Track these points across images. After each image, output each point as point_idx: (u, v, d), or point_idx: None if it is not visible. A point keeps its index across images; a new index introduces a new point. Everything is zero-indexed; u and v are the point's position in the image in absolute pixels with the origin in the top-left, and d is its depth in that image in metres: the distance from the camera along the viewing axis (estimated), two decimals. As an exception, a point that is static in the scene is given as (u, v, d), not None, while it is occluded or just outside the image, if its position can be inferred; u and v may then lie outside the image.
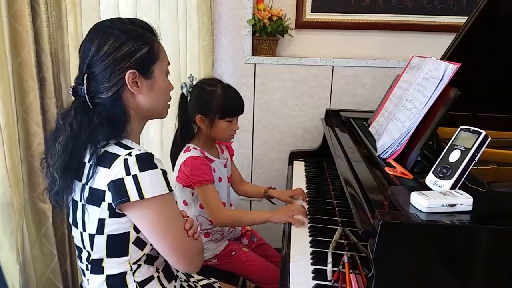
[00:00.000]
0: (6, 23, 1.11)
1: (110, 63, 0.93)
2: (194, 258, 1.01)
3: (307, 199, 1.58)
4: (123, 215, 0.93)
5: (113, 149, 0.93)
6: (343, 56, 2.24)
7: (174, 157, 1.53)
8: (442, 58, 1.42)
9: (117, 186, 0.89)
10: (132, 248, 0.97)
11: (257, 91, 2.30)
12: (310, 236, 1.29)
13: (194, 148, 1.47)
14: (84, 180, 0.94)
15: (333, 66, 2.23)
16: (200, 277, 1.30)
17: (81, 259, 1.03)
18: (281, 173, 2.35)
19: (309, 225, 1.36)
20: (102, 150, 0.93)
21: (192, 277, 1.28)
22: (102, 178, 0.91)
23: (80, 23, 1.42)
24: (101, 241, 0.96)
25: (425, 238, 0.79)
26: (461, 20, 1.40)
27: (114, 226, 0.94)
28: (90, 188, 0.93)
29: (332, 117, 1.99)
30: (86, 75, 0.94)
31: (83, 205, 0.96)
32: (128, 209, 0.92)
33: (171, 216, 0.95)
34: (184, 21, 2.05)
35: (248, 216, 1.53)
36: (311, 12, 2.22)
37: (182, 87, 1.48)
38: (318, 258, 1.16)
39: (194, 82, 1.48)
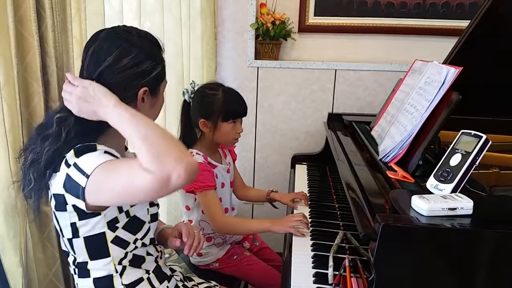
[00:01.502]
0: (12, 28, 1.13)
1: (126, 78, 0.93)
2: (162, 157, 0.80)
3: (309, 202, 1.58)
4: (92, 215, 0.92)
5: (69, 154, 0.91)
6: (345, 60, 2.25)
7: None
8: (445, 62, 1.42)
9: (69, 183, 0.88)
10: (112, 247, 0.97)
11: (260, 94, 2.30)
12: (311, 239, 1.29)
13: (197, 153, 1.48)
14: (51, 188, 0.95)
15: (335, 70, 2.23)
16: (201, 280, 1.31)
17: (69, 263, 1.04)
18: (283, 176, 2.35)
19: (310, 228, 1.36)
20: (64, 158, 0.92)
21: (192, 280, 1.28)
22: (57, 182, 0.91)
23: (85, 27, 1.43)
24: (79, 244, 0.96)
25: (426, 242, 0.79)
26: (463, 24, 1.40)
27: (87, 228, 0.94)
28: (53, 194, 0.94)
29: (335, 120, 1.99)
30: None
31: (54, 212, 0.97)
32: (90, 198, 0.87)
33: (116, 164, 0.88)
34: (187, 25, 2.07)
35: (248, 225, 1.50)
36: (314, 16, 2.23)
37: (184, 94, 1.48)
38: (319, 261, 1.16)
39: (196, 88, 1.49)
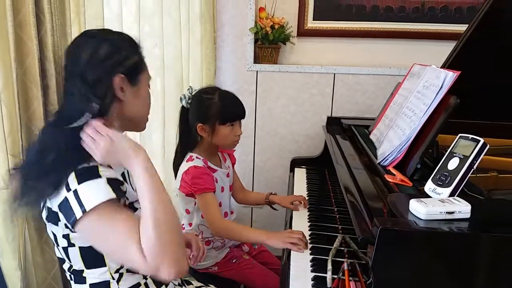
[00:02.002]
0: (12, 32, 1.13)
1: (104, 70, 0.93)
2: (161, 257, 0.83)
3: (308, 206, 1.58)
4: None
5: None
6: (344, 64, 2.25)
7: (176, 167, 1.54)
8: (443, 66, 1.43)
9: (64, 207, 0.87)
10: (108, 258, 0.97)
11: (259, 98, 2.31)
12: (310, 243, 1.29)
13: (197, 157, 1.48)
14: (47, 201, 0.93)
15: (334, 74, 2.24)
16: (199, 284, 1.30)
17: (64, 270, 1.02)
18: (283, 180, 2.35)
19: (309, 232, 1.36)
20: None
21: (191, 283, 1.28)
22: (55, 200, 0.89)
23: (84, 31, 1.44)
24: (75, 253, 0.95)
25: (423, 245, 0.79)
26: (462, 28, 1.40)
27: (80, 240, 0.93)
28: (48, 207, 0.92)
29: (334, 124, 2.00)
30: (73, 81, 0.92)
31: (46, 223, 0.96)
32: (78, 227, 0.87)
33: (117, 220, 0.86)
34: (187, 29, 2.07)
35: (245, 233, 1.45)
36: (313, 20, 2.24)
37: (181, 99, 1.49)
38: (318, 265, 1.16)
39: (193, 93, 1.49)
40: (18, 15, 1.14)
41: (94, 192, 0.86)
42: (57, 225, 0.92)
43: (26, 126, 1.27)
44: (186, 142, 1.52)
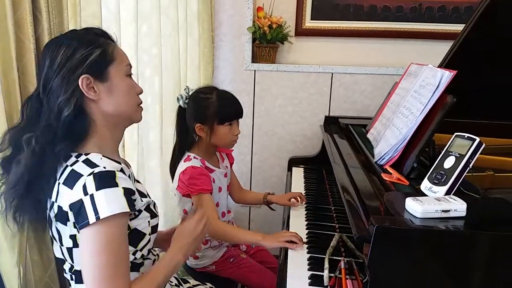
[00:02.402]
0: (13, 32, 1.12)
1: (65, 74, 0.90)
2: None
3: (306, 205, 1.58)
4: None
5: (79, 167, 0.90)
6: (342, 63, 2.26)
7: (173, 168, 1.54)
8: (440, 65, 1.43)
9: (78, 208, 0.87)
10: None
11: (257, 97, 2.31)
12: (307, 242, 1.29)
13: (194, 157, 1.48)
14: (53, 197, 0.93)
15: (332, 73, 2.24)
16: (196, 282, 1.31)
17: (64, 270, 1.02)
18: (280, 179, 2.35)
19: (306, 231, 1.36)
20: (70, 168, 0.91)
21: (188, 282, 1.28)
22: (66, 199, 0.89)
23: (82, 30, 1.44)
24: (80, 253, 0.94)
25: (419, 243, 0.80)
26: (459, 27, 1.41)
27: None
28: (58, 206, 0.92)
29: (331, 123, 2.00)
30: (45, 95, 0.91)
31: (54, 221, 0.95)
32: (85, 231, 0.87)
33: (117, 249, 0.89)
34: (184, 29, 2.07)
35: (240, 235, 1.47)
36: (311, 19, 2.24)
37: (178, 100, 1.49)
38: (315, 264, 1.16)
39: (190, 93, 1.49)
40: (15, 14, 1.14)
41: (110, 201, 0.86)
42: (65, 224, 0.91)
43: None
44: (184, 142, 1.52)
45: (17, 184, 0.92)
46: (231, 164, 1.68)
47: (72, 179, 0.89)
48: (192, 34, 2.11)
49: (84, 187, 0.87)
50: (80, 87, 0.91)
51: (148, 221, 1.01)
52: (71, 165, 0.91)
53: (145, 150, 2.03)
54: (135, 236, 0.98)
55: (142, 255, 1.02)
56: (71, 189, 0.88)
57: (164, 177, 2.07)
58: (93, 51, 0.92)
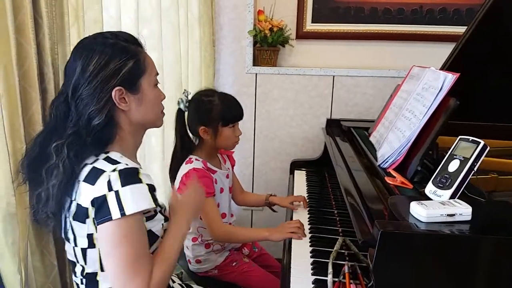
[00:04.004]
0: (13, 38, 1.12)
1: (98, 84, 0.90)
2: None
3: (308, 208, 1.58)
4: None
5: (101, 164, 0.91)
6: (343, 66, 2.26)
7: (174, 171, 1.53)
8: (442, 68, 1.43)
9: (100, 204, 0.87)
10: None
11: (258, 100, 2.31)
12: (310, 246, 1.29)
13: (196, 159, 1.48)
14: (73, 196, 0.93)
15: (333, 76, 2.24)
16: (199, 287, 1.30)
17: (75, 273, 1.02)
18: (282, 182, 2.34)
19: (310, 235, 1.36)
20: (90, 166, 0.91)
21: (191, 287, 1.28)
22: (87, 195, 0.89)
23: (83, 35, 1.43)
24: (94, 255, 0.94)
25: (424, 248, 0.79)
26: (461, 29, 1.41)
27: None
28: (77, 204, 0.91)
29: (333, 126, 1.99)
30: (74, 100, 0.91)
31: (70, 221, 0.94)
32: (106, 226, 0.88)
33: (141, 242, 0.91)
34: (185, 32, 2.07)
35: (246, 234, 1.51)
36: (312, 22, 2.24)
37: (179, 103, 1.49)
38: (318, 268, 1.15)
39: (190, 97, 1.49)
40: (16, 19, 1.14)
41: (136, 198, 0.88)
42: (84, 222, 0.91)
43: (25, 129, 1.27)
44: (185, 146, 1.52)
45: (50, 199, 0.92)
46: (233, 166, 1.68)
47: (94, 176, 0.90)
48: (193, 37, 2.11)
49: (109, 183, 0.87)
50: (113, 98, 0.92)
51: (162, 224, 1.02)
52: (91, 163, 0.92)
53: (147, 154, 2.03)
54: (149, 238, 0.98)
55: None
56: (93, 185, 0.89)
57: (166, 181, 2.06)
58: (127, 62, 0.93)
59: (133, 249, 0.88)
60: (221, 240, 1.51)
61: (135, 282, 0.88)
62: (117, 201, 0.87)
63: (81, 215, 0.91)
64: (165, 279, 0.95)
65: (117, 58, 0.92)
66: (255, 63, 2.28)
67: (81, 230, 0.92)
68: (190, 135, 1.53)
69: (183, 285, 1.25)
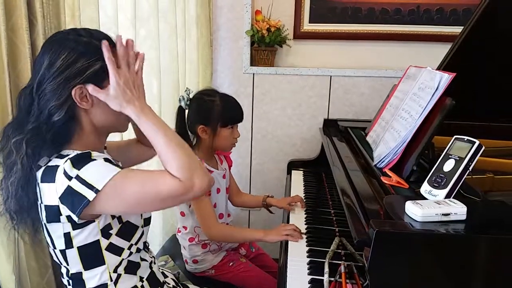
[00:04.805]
0: (5, 37, 1.12)
1: (62, 81, 0.88)
2: (188, 171, 0.87)
3: (305, 208, 1.58)
4: (86, 224, 0.91)
5: (53, 162, 0.90)
6: (341, 66, 2.26)
7: None
8: (439, 68, 1.43)
9: (69, 195, 0.85)
10: (107, 255, 0.96)
11: (255, 101, 2.31)
12: (307, 246, 1.29)
13: (192, 158, 1.48)
14: (39, 200, 0.92)
15: (331, 76, 2.24)
16: (195, 287, 1.30)
17: (62, 274, 1.01)
18: (280, 182, 2.35)
19: (306, 235, 1.36)
20: (44, 167, 0.90)
21: (187, 286, 1.28)
22: (51, 193, 0.88)
23: (79, 34, 1.43)
24: (73, 255, 0.94)
25: (419, 247, 0.79)
26: (458, 30, 1.41)
27: (81, 237, 0.92)
28: (45, 206, 0.90)
29: (330, 126, 2.00)
30: (37, 94, 0.90)
31: (45, 224, 0.94)
32: (94, 208, 0.86)
33: (136, 181, 0.88)
34: (183, 32, 2.07)
35: (242, 234, 1.52)
36: (309, 22, 2.24)
37: (180, 100, 1.48)
38: (315, 268, 1.16)
39: (191, 95, 1.49)
40: (10, 19, 1.14)
41: (101, 170, 0.87)
42: (58, 221, 0.90)
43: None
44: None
45: (9, 197, 0.91)
46: (230, 166, 1.67)
47: (50, 174, 0.88)
48: (191, 37, 2.11)
49: (66, 173, 0.86)
50: (73, 96, 0.89)
51: (141, 213, 1.01)
52: (44, 165, 0.91)
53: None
54: (128, 229, 0.98)
55: (138, 249, 1.02)
56: (53, 182, 0.87)
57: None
58: (94, 63, 0.90)
59: (143, 173, 0.89)
60: (216, 240, 1.51)
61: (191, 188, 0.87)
62: (83, 183, 0.85)
63: (53, 215, 0.90)
64: (189, 155, 0.91)
65: (86, 57, 0.89)
66: (253, 63, 2.28)
67: (58, 230, 0.91)
68: (189, 133, 1.52)
69: (180, 285, 1.25)
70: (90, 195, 0.84)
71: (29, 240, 1.27)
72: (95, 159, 0.88)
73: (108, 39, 0.94)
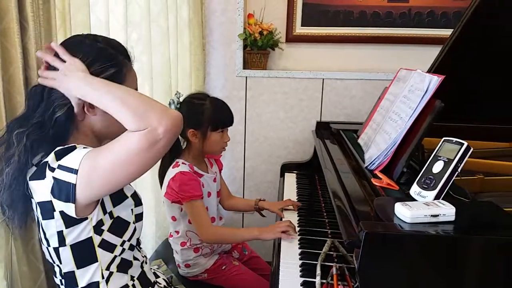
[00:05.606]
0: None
1: None
2: (146, 113, 0.83)
3: (298, 211, 1.58)
4: (79, 221, 0.91)
5: (44, 159, 0.91)
6: (333, 69, 2.27)
7: (162, 174, 1.53)
8: (430, 70, 1.44)
9: (57, 186, 0.86)
10: (100, 252, 0.96)
11: (248, 104, 2.31)
12: (299, 248, 1.29)
13: (183, 163, 1.48)
14: (33, 198, 0.93)
15: (323, 79, 2.25)
16: (188, 291, 1.30)
17: (55, 273, 1.02)
18: (273, 185, 2.35)
19: (299, 237, 1.36)
20: (35, 167, 0.92)
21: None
22: (43, 190, 0.89)
23: (70, 39, 1.43)
24: (66, 253, 0.94)
25: (408, 248, 0.80)
26: (448, 32, 1.42)
27: (74, 235, 0.92)
28: (38, 203, 0.91)
29: (323, 129, 2.01)
30: (49, 93, 0.92)
31: (40, 222, 0.95)
32: (83, 193, 0.86)
33: (105, 150, 0.86)
34: (175, 36, 2.07)
35: (236, 234, 1.53)
36: (301, 26, 2.26)
37: (170, 104, 1.49)
38: (307, 270, 1.16)
39: (181, 99, 1.49)
40: (1, 23, 1.14)
41: (76, 155, 0.86)
42: (53, 217, 0.90)
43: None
44: (174, 148, 1.51)
45: (3, 189, 0.92)
46: (220, 170, 1.68)
47: (41, 171, 0.89)
48: (183, 41, 2.11)
49: (49, 166, 0.87)
50: (83, 104, 0.92)
51: (131, 209, 1.01)
52: (36, 163, 0.92)
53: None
54: (119, 225, 0.98)
55: (131, 246, 1.02)
56: (44, 178, 0.88)
57: (155, 185, 2.05)
58: (108, 69, 0.92)
59: (110, 162, 0.85)
60: (211, 242, 1.50)
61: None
62: (64, 170, 0.85)
63: (47, 211, 0.90)
64: (140, 99, 0.87)
65: (100, 63, 0.91)
66: (245, 66, 2.28)
67: (51, 227, 0.92)
68: (179, 137, 1.52)
69: (169, 284, 1.25)
70: (72, 178, 0.84)
71: (19, 237, 1.26)
72: (73, 149, 0.89)
73: (124, 49, 0.97)
